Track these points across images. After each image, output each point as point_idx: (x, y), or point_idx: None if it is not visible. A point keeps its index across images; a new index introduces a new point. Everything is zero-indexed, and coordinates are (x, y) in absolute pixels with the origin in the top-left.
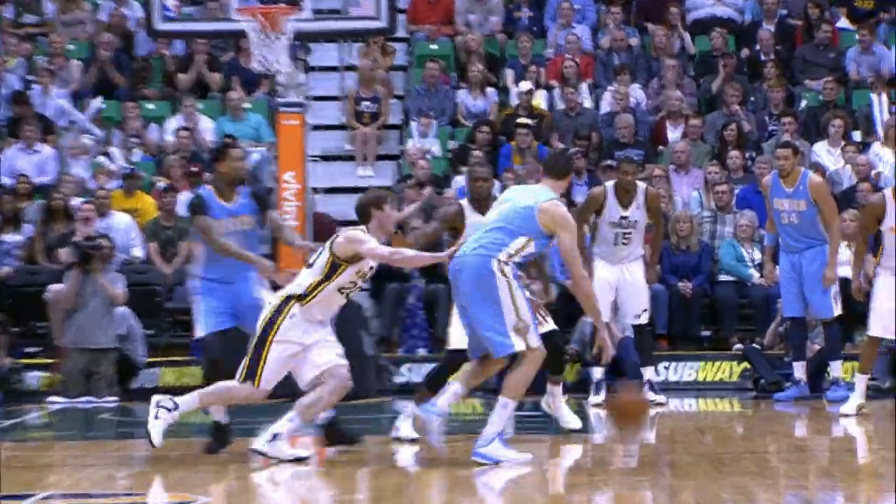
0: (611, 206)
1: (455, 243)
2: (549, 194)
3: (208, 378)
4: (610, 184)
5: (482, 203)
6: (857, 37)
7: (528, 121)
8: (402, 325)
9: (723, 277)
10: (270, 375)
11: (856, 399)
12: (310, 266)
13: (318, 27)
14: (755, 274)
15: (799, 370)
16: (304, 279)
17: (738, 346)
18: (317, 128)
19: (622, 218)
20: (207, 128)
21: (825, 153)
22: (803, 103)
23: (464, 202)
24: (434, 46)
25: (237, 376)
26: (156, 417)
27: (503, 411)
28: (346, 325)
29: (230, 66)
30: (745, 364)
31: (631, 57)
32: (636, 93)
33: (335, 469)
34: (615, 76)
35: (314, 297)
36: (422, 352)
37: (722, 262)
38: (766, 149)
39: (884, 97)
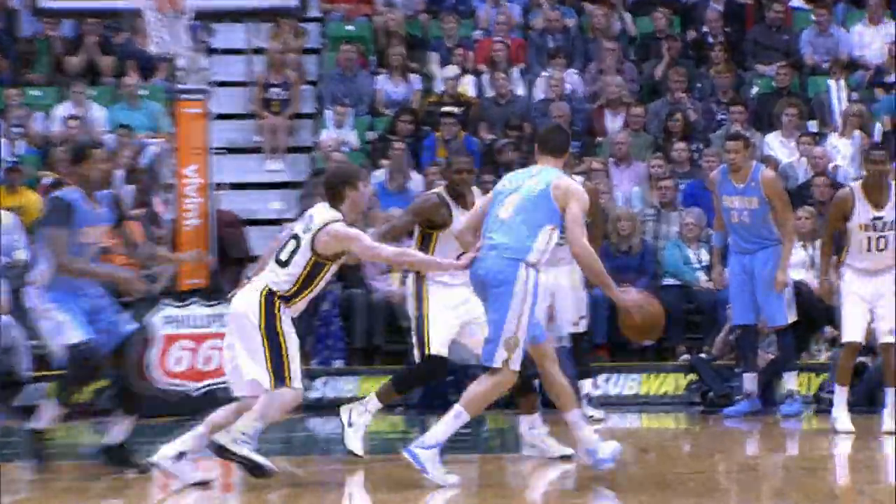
0: None
1: (472, 245)
2: (556, 172)
3: (76, 385)
4: None
5: (463, 198)
6: (812, 17)
7: (454, 109)
8: (315, 334)
9: (667, 281)
10: (298, 371)
11: (840, 413)
12: (283, 263)
13: (222, 5)
14: (702, 277)
15: (750, 382)
16: (280, 277)
17: (685, 356)
18: (220, 117)
19: None
20: (99, 117)
21: (778, 145)
22: (754, 90)
23: (441, 191)
24: (350, 27)
25: (267, 386)
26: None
27: (455, 421)
28: None
29: (124, 49)
30: (692, 376)
31: (566, 39)
32: (572, 79)
33: (243, 494)
34: (549, 60)
35: (299, 300)
36: (338, 364)
37: (666, 264)
38: (715, 140)
39: (841, 83)
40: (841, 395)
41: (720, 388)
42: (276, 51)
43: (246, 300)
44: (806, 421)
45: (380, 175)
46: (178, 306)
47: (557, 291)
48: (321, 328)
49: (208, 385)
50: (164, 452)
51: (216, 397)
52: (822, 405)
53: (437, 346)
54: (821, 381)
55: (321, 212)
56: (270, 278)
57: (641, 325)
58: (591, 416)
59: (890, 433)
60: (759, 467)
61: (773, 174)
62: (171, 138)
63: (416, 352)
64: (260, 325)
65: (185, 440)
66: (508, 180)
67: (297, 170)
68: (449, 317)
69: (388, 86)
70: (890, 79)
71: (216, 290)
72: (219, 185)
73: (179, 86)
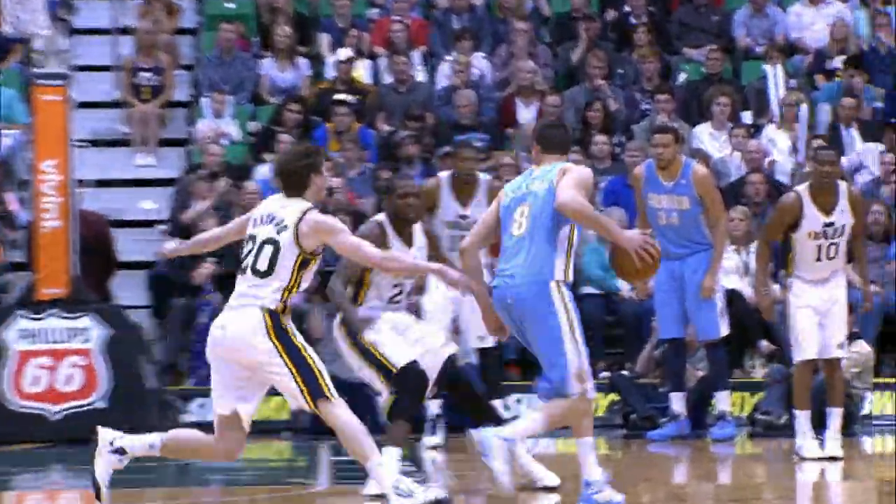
0: (446, 203)
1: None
2: (558, 164)
3: None
4: (445, 175)
5: (407, 227)
6: None
7: (348, 97)
8: (191, 350)
9: (586, 290)
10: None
11: (806, 440)
12: (262, 274)
13: None
14: (625, 286)
15: (677, 402)
16: (263, 291)
17: (605, 373)
18: (83, 105)
19: (461, 217)
20: None
21: (708, 138)
22: (682, 77)
23: (383, 220)
24: (230, 5)
25: (305, 405)
26: None
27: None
28: (121, 350)
29: None
30: (614, 395)
31: (473, 19)
32: (479, 63)
33: None
34: (454, 43)
35: (288, 310)
36: None
37: (585, 271)
38: (638, 132)
39: (779, 69)
40: (805, 420)
41: (644, 408)
42: (147, 31)
43: (245, 324)
44: (739, 445)
45: (264, 171)
46: (34, 318)
47: (463, 303)
48: (198, 343)
49: (69, 408)
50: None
51: (79, 422)
52: (756, 427)
53: (398, 358)
54: (756, 400)
55: (286, 204)
56: (249, 295)
57: (641, 269)
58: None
59: (834, 458)
60: (688, 497)
61: (705, 171)
62: (27, 129)
63: (381, 384)
64: (278, 349)
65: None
66: (512, 190)
67: (170, 165)
68: (394, 335)
69: (273, 71)
70: (832, 64)
71: (78, 301)
72: (81, 182)
73: (36, 70)
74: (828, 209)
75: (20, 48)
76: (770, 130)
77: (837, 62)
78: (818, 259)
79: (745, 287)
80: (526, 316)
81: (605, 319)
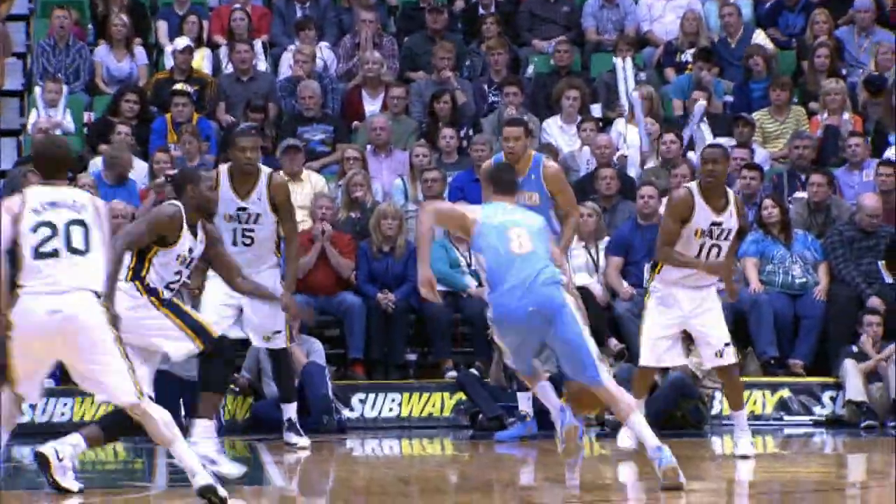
0: (225, 196)
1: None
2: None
3: None
4: (224, 167)
5: (196, 218)
6: None
7: (187, 88)
8: None
9: None
10: None
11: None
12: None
13: None
14: (472, 283)
15: (525, 402)
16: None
17: (452, 373)
18: None
19: (240, 209)
20: None
21: (558, 131)
22: (531, 69)
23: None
24: None
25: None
26: None
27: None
28: None
29: None
30: (461, 395)
31: (317, 8)
32: (323, 53)
33: None
34: (297, 32)
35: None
36: (48, 383)
37: (432, 268)
38: (486, 126)
39: (629, 62)
40: (741, 418)
41: (492, 409)
42: None
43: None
44: (587, 446)
45: (98, 163)
46: None
47: (253, 300)
48: None
49: None
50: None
51: None
52: (605, 428)
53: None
54: None
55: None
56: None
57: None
58: (295, 444)
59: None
60: (535, 500)
61: (556, 166)
62: None
63: (195, 345)
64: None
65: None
66: (498, 213)
67: (3, 155)
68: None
69: (109, 60)
70: (683, 57)
71: None
72: None
73: None
74: (718, 208)
75: None
76: (619, 124)
77: (688, 55)
78: (697, 258)
79: (594, 284)
80: (553, 317)
81: (452, 317)
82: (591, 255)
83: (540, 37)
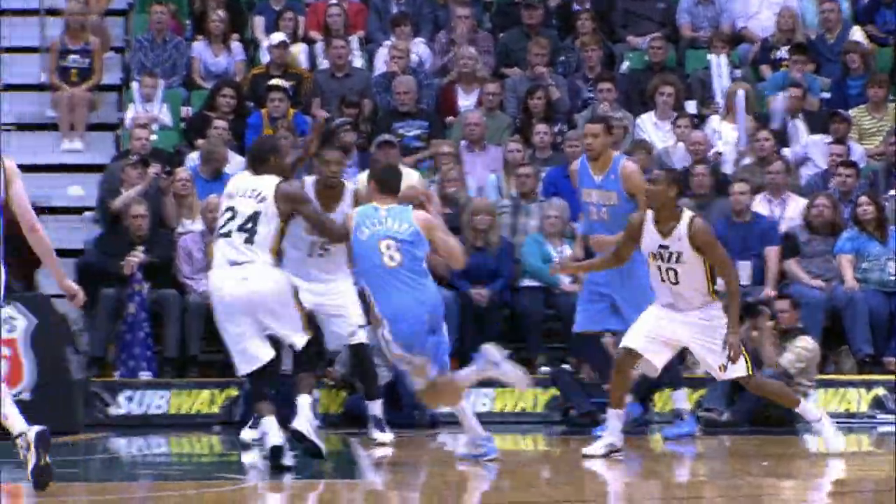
0: None
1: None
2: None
3: None
4: (310, 180)
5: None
6: None
7: (283, 83)
8: (120, 341)
9: (526, 282)
10: None
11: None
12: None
13: None
14: (565, 279)
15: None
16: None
17: (545, 368)
18: (9, 88)
19: None
20: None
21: (652, 127)
22: (625, 65)
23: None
24: None
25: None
26: None
27: None
28: (46, 340)
29: None
30: (553, 391)
31: (413, 4)
32: (419, 49)
33: None
34: (393, 28)
35: None
36: (145, 375)
37: (525, 263)
38: (581, 122)
39: (724, 59)
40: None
41: (584, 405)
42: (75, 12)
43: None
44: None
45: (195, 158)
46: None
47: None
48: (127, 335)
49: None
50: None
51: None
52: (699, 424)
53: None
54: (697, 397)
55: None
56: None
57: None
58: (378, 440)
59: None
60: (630, 496)
61: (634, 167)
62: None
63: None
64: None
65: None
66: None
67: (99, 151)
68: None
69: (206, 54)
70: (779, 54)
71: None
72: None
73: None
74: (664, 231)
75: None
76: (714, 121)
77: (784, 52)
78: (662, 280)
79: None
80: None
81: (545, 313)
82: None
83: (634, 33)
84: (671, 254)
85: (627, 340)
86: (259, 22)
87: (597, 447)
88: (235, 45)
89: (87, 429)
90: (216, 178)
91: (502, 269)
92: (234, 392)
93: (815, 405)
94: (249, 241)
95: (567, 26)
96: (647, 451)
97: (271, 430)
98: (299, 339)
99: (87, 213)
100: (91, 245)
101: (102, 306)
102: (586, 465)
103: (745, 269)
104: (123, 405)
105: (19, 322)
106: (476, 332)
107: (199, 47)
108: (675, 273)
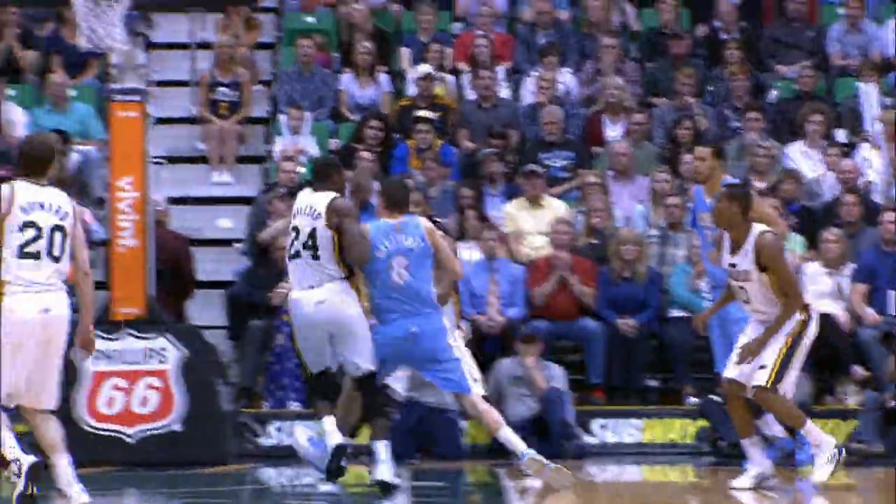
0: None
1: None
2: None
3: None
4: None
5: None
6: (840, 10)
7: (430, 114)
8: (267, 372)
9: (674, 313)
10: None
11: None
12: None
13: None
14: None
15: (773, 426)
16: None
17: (694, 399)
18: (161, 121)
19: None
20: (20, 120)
21: (801, 156)
22: (774, 94)
23: None
24: (310, 19)
25: None
26: None
27: None
28: (197, 372)
29: (50, 42)
30: (702, 421)
31: (559, 34)
32: (565, 79)
33: None
34: (539, 58)
35: None
36: (294, 406)
37: (673, 293)
38: (730, 151)
39: (873, 87)
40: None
41: (734, 435)
42: (225, 45)
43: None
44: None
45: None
46: (110, 339)
47: None
48: (275, 365)
49: (145, 430)
50: None
51: (154, 445)
52: (851, 456)
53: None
54: (848, 428)
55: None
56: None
57: None
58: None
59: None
60: None
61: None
62: (103, 145)
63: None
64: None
65: None
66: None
67: (248, 183)
68: None
69: (353, 86)
70: None
71: (154, 321)
72: (168, 202)
73: (113, 85)
74: (734, 248)
75: (96, 63)
76: (864, 150)
77: None
78: (741, 300)
79: (838, 311)
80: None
81: (693, 343)
82: (833, 280)
83: (783, 62)
84: (739, 272)
85: (725, 371)
86: (406, 53)
87: (744, 480)
88: (382, 77)
89: (236, 459)
90: (363, 209)
91: (650, 300)
92: None
93: (823, 432)
94: (315, 257)
95: (714, 56)
96: (798, 485)
97: (331, 429)
98: (365, 365)
99: (236, 245)
100: (240, 277)
101: (251, 337)
102: (735, 496)
103: (893, 299)
104: (273, 435)
105: (170, 353)
106: (624, 362)
107: (346, 79)
108: (746, 292)
